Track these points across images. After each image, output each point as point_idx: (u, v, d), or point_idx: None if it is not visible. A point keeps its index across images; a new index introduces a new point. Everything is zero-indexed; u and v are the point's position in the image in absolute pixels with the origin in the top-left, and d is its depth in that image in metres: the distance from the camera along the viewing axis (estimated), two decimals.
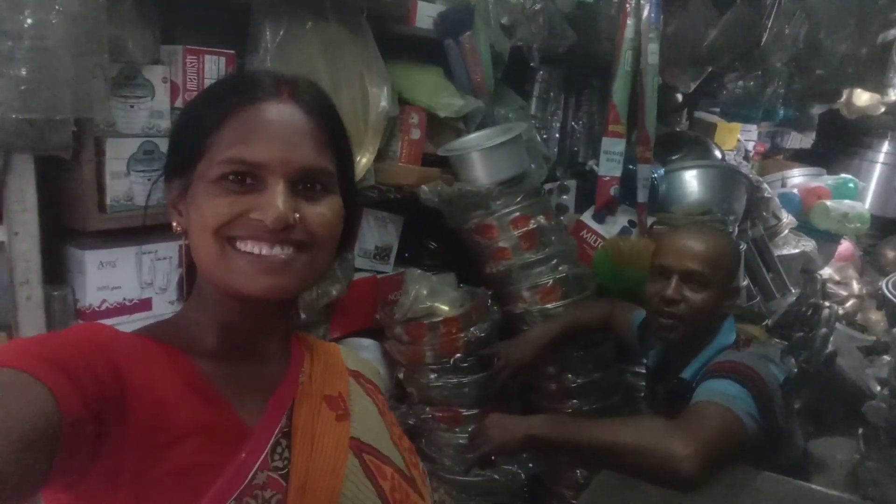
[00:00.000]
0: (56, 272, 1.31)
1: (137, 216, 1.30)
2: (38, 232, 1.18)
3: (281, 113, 0.69)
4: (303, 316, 1.67)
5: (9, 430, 0.50)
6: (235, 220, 0.66)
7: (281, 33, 1.48)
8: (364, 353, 1.82)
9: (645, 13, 2.00)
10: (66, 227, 1.31)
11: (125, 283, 1.35)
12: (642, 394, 1.82)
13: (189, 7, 1.42)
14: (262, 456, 0.66)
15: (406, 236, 2.00)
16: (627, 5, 2.01)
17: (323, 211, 0.70)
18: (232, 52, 1.42)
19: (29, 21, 1.06)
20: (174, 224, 0.73)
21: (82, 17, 1.13)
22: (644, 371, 1.81)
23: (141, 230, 1.33)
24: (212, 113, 0.69)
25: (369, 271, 1.89)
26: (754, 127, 3.67)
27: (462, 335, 1.73)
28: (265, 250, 0.66)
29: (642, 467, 1.15)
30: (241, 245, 0.66)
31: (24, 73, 1.06)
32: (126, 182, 1.31)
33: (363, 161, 1.72)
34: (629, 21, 2.02)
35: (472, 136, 1.93)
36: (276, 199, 0.65)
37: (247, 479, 0.64)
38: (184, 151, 0.70)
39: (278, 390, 0.73)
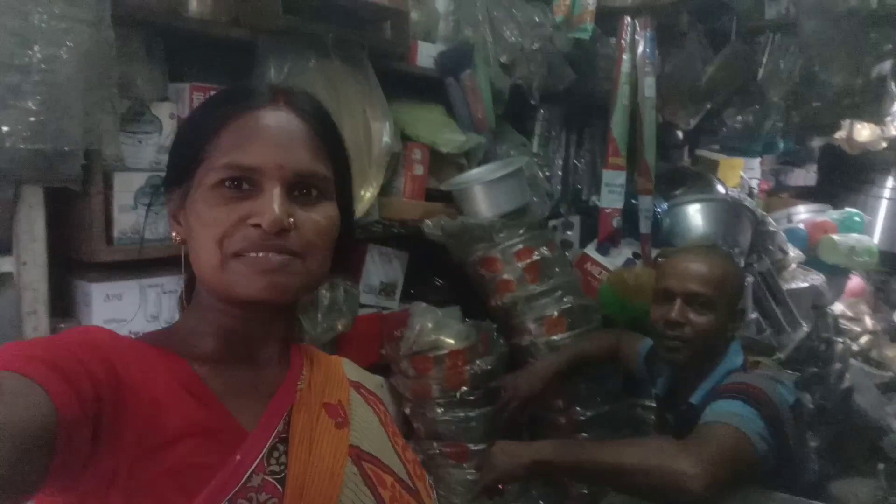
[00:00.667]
0: (63, 305, 1.32)
1: (145, 249, 1.32)
2: (45, 262, 1.20)
3: (276, 119, 0.70)
4: None
5: (5, 434, 0.50)
6: (234, 228, 0.67)
7: (285, 70, 1.53)
8: None
9: (640, 48, 2.05)
10: (73, 260, 1.32)
11: (131, 315, 1.36)
12: (652, 426, 1.79)
13: (196, 46, 1.47)
14: (258, 459, 0.65)
15: (412, 273, 2.00)
16: (623, 41, 2.06)
17: (317, 218, 0.70)
18: None
19: (38, 56, 1.10)
20: (174, 234, 0.74)
21: (92, 53, 1.17)
22: (653, 402, 1.78)
23: (147, 263, 1.34)
24: (209, 121, 0.70)
25: (375, 307, 1.89)
26: (757, 164, 3.69)
27: (468, 368, 1.72)
28: (261, 254, 0.67)
29: (650, 488, 1.12)
30: (240, 253, 0.67)
31: (32, 105, 1.09)
32: (133, 215, 1.33)
33: (367, 196, 1.74)
34: (625, 56, 2.07)
35: (475, 170, 1.96)
36: (272, 203, 0.66)
37: (241, 481, 0.63)
38: (182, 160, 0.71)
39: (276, 395, 0.72)
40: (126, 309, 1.35)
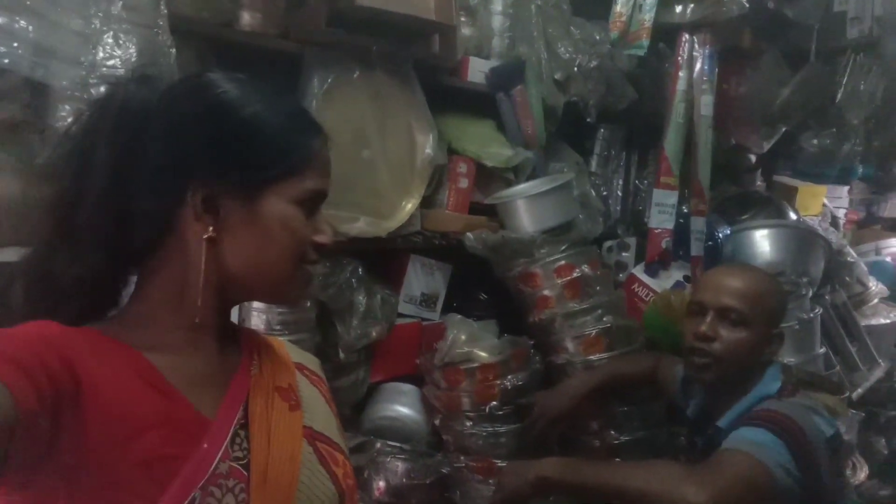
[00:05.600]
0: None
1: None
2: None
3: None
4: (342, 356, 1.70)
5: None
6: (307, 244, 0.75)
7: (329, 81, 1.58)
8: (402, 398, 1.82)
9: (698, 66, 1.99)
10: None
11: None
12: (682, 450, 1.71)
13: (246, 57, 1.55)
14: (224, 446, 0.68)
15: (456, 286, 2.01)
16: (679, 58, 2.00)
17: None
18: None
19: (101, 54, 1.20)
20: (209, 228, 0.70)
21: (150, 54, 1.26)
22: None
23: None
24: (310, 139, 0.75)
25: (415, 318, 1.90)
26: (845, 193, 3.48)
27: (499, 383, 1.70)
28: (313, 269, 0.78)
29: None
30: (306, 265, 0.77)
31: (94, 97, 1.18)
32: None
33: (408, 206, 1.77)
34: (681, 73, 2.01)
35: (520, 185, 1.95)
36: (327, 225, 0.78)
37: (210, 468, 0.65)
38: (268, 159, 0.72)
39: (233, 383, 0.74)
40: None
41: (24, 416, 0.55)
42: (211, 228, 0.69)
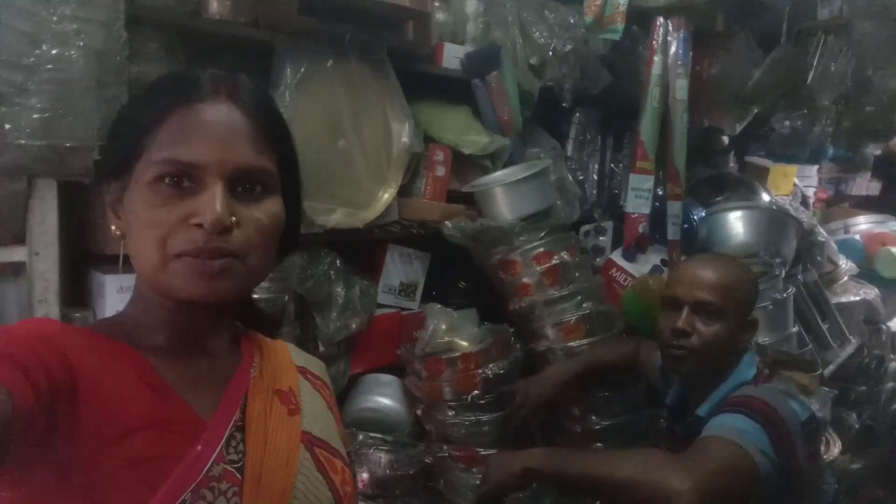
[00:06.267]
0: (77, 294, 1.37)
1: None
2: (57, 253, 1.25)
3: (218, 113, 0.68)
4: (321, 348, 1.68)
5: None
6: (176, 229, 0.65)
7: (302, 70, 1.54)
8: (384, 389, 1.81)
9: (672, 49, 1.99)
10: (91, 252, 1.38)
11: None
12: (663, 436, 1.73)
13: (216, 47, 1.51)
14: (218, 449, 0.66)
15: (436, 275, 2.00)
16: (654, 42, 2.00)
17: (260, 216, 0.69)
18: None
19: (47, 55, 1.14)
20: (113, 228, 0.72)
21: (104, 52, 1.21)
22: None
23: None
24: (147, 113, 0.68)
25: (394, 307, 1.89)
26: (814, 172, 3.53)
27: (480, 372, 1.70)
28: (201, 259, 0.66)
29: (637, 502, 1.09)
30: (182, 254, 0.66)
31: (37, 103, 1.13)
32: None
33: (385, 196, 1.75)
34: (656, 58, 2.01)
35: (497, 172, 1.94)
36: (214, 202, 0.65)
37: (203, 471, 0.64)
38: (120, 153, 0.70)
39: (231, 384, 0.73)
40: None
41: (21, 414, 0.54)
42: (113, 227, 0.72)
